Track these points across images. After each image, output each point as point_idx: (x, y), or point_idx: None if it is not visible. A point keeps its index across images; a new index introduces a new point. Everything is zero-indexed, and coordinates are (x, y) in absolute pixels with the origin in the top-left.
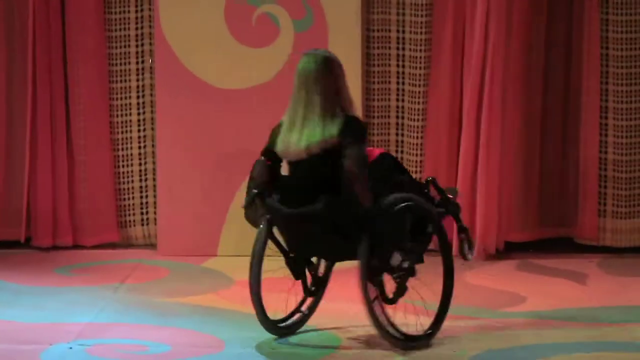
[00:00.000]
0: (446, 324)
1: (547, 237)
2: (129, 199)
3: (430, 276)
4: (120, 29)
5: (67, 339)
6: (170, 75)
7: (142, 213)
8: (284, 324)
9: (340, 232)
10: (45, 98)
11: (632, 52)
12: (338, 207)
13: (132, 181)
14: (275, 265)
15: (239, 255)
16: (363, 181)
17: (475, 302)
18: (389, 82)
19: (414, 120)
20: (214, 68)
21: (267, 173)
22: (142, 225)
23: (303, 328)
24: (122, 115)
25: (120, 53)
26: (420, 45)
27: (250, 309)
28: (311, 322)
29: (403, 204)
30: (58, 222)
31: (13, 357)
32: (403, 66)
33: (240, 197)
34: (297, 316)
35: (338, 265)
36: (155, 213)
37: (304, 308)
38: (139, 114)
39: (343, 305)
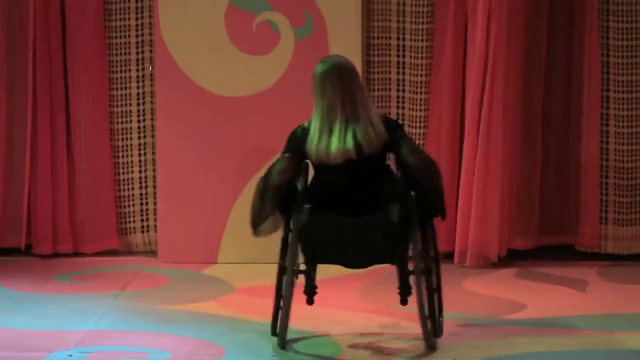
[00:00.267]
0: (446, 331)
1: (549, 244)
2: (129, 206)
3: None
4: (120, 37)
5: (67, 346)
6: (170, 82)
7: (142, 220)
8: None
9: (402, 234)
10: (46, 105)
11: (632, 60)
12: (406, 209)
13: (133, 188)
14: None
15: (239, 263)
16: (439, 172)
17: (475, 309)
18: (390, 90)
19: (415, 127)
20: (215, 75)
21: (293, 170)
22: (143, 232)
23: (303, 335)
24: (122, 122)
25: (121, 60)
26: (421, 52)
27: (251, 316)
28: (312, 330)
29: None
30: (58, 230)
31: None
32: (403, 73)
33: (241, 204)
34: None
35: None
36: (155, 220)
37: None
38: (139, 121)
39: (343, 313)
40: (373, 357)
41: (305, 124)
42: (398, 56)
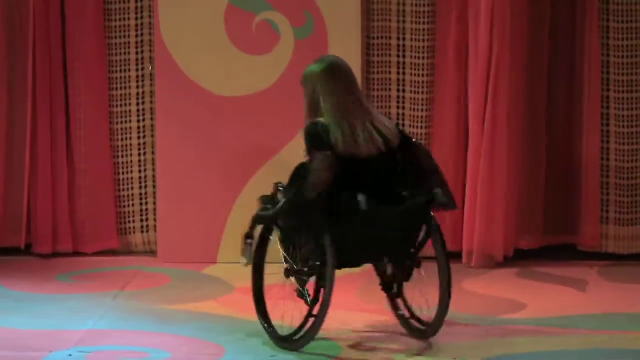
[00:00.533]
0: (445, 331)
1: (553, 244)
2: (128, 205)
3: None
4: (120, 36)
5: (66, 345)
6: (170, 82)
7: (141, 220)
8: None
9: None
10: (45, 105)
11: (633, 59)
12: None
13: (132, 188)
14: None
15: (238, 263)
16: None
17: (475, 309)
18: (390, 89)
19: (416, 127)
20: (214, 75)
21: (336, 166)
22: (142, 232)
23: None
24: (121, 122)
25: (120, 60)
26: (422, 52)
27: (250, 316)
28: None
29: None
30: (58, 229)
31: None
32: (403, 73)
33: (240, 204)
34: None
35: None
36: (155, 220)
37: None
38: (138, 120)
39: (343, 313)
40: (373, 357)
41: (321, 121)
42: (398, 56)
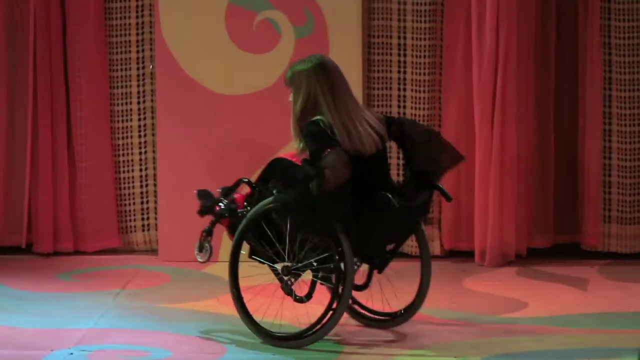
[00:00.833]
0: (447, 330)
1: (563, 243)
2: (129, 204)
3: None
4: (121, 35)
5: (68, 344)
6: (171, 81)
7: (143, 219)
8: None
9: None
10: (46, 104)
11: (635, 59)
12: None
13: (133, 187)
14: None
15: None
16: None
17: (476, 308)
18: (390, 88)
19: None
20: (215, 74)
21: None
22: (143, 231)
23: None
24: (123, 121)
25: (121, 59)
26: (423, 51)
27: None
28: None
29: None
30: (59, 228)
31: None
32: (404, 72)
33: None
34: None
35: None
36: (156, 219)
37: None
38: (139, 119)
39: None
40: (374, 355)
41: (322, 119)
42: (399, 55)
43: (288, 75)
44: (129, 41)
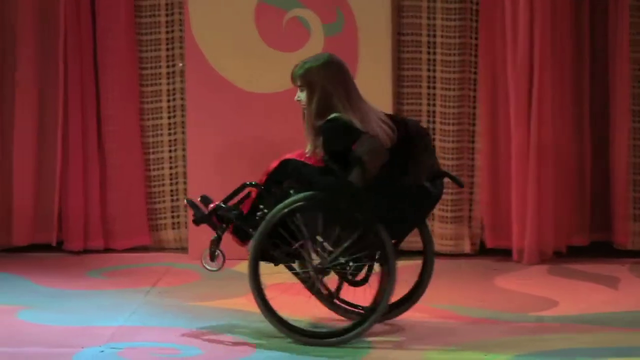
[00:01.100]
0: (476, 327)
1: (596, 241)
2: (160, 202)
3: None
4: (150, 33)
5: (98, 342)
6: (200, 78)
7: (172, 216)
8: None
9: None
10: (77, 102)
11: None
12: None
13: (163, 184)
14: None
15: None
16: None
17: (506, 306)
18: (420, 87)
19: (447, 124)
20: (244, 71)
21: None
22: (173, 228)
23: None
24: (152, 118)
25: (151, 57)
26: (452, 49)
27: (281, 313)
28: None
29: None
30: (89, 226)
31: None
32: (434, 70)
33: None
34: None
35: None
36: (186, 217)
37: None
38: (169, 117)
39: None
40: (403, 353)
41: (341, 116)
42: (428, 53)
43: (299, 73)
44: (159, 39)
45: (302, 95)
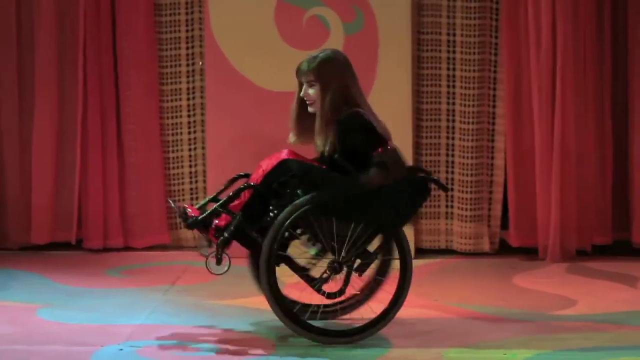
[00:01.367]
0: (495, 326)
1: (621, 239)
2: (179, 200)
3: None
4: (170, 31)
5: (117, 340)
6: (220, 77)
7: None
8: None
9: None
10: (96, 100)
11: None
12: None
13: (183, 183)
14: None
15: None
16: None
17: (525, 305)
18: (440, 85)
19: (466, 123)
20: (264, 70)
21: None
22: None
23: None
24: (172, 117)
25: (171, 55)
26: (472, 48)
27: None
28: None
29: None
30: (109, 224)
31: (65, 358)
32: (454, 69)
33: None
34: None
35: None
36: None
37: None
38: (189, 115)
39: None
40: (423, 352)
41: (363, 113)
42: (448, 52)
43: (313, 67)
44: (179, 38)
45: (311, 91)
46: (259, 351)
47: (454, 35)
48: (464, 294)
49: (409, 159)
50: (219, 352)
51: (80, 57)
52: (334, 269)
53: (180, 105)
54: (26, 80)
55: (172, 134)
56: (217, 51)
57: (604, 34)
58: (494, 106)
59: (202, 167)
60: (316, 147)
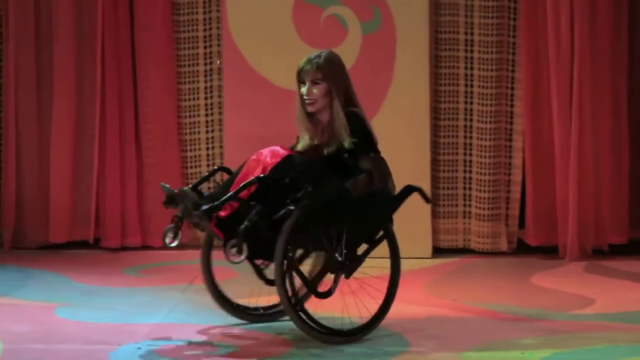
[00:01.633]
0: (513, 326)
1: (635, 238)
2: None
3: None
4: (188, 30)
5: (135, 339)
6: (237, 76)
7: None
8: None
9: None
10: (114, 99)
11: None
12: None
13: None
14: None
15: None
16: None
17: (542, 304)
18: (457, 85)
19: (483, 122)
20: (282, 69)
21: None
22: None
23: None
24: (190, 116)
25: (189, 54)
26: (490, 47)
27: (319, 310)
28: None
29: None
30: (127, 223)
31: (83, 357)
32: (472, 68)
33: None
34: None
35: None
36: None
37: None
38: (207, 115)
39: (411, 307)
40: (440, 352)
41: (359, 112)
42: (466, 51)
43: (321, 65)
44: (197, 37)
45: (315, 90)
46: (277, 350)
47: (472, 34)
48: (482, 294)
49: (426, 158)
50: (237, 351)
51: (98, 56)
52: (337, 268)
53: (198, 104)
54: (44, 80)
55: (190, 133)
56: (235, 50)
57: (621, 33)
58: (511, 105)
59: (219, 165)
60: (322, 146)
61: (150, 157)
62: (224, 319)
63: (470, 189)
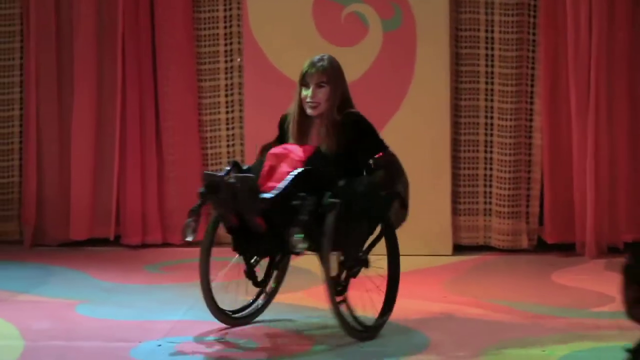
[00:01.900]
0: (533, 323)
1: None
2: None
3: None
4: (208, 28)
5: (156, 336)
6: (258, 73)
7: None
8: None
9: None
10: (135, 96)
11: None
12: None
13: None
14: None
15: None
16: None
17: (563, 301)
18: (478, 82)
19: (504, 120)
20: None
21: None
22: None
23: (390, 326)
24: (210, 113)
25: (209, 52)
26: (510, 44)
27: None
28: (399, 322)
29: None
30: (147, 220)
31: (104, 354)
32: (492, 65)
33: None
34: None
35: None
36: None
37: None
38: (227, 112)
39: (430, 305)
40: (460, 349)
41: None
42: (486, 48)
43: (327, 68)
44: (217, 34)
45: (321, 92)
46: (297, 347)
47: (492, 32)
48: (502, 291)
49: (447, 155)
50: (258, 348)
51: (118, 54)
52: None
53: (219, 102)
54: (65, 78)
55: (210, 131)
56: (256, 47)
57: (639, 32)
58: (531, 103)
59: None
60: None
61: (171, 154)
62: None
63: (490, 186)
